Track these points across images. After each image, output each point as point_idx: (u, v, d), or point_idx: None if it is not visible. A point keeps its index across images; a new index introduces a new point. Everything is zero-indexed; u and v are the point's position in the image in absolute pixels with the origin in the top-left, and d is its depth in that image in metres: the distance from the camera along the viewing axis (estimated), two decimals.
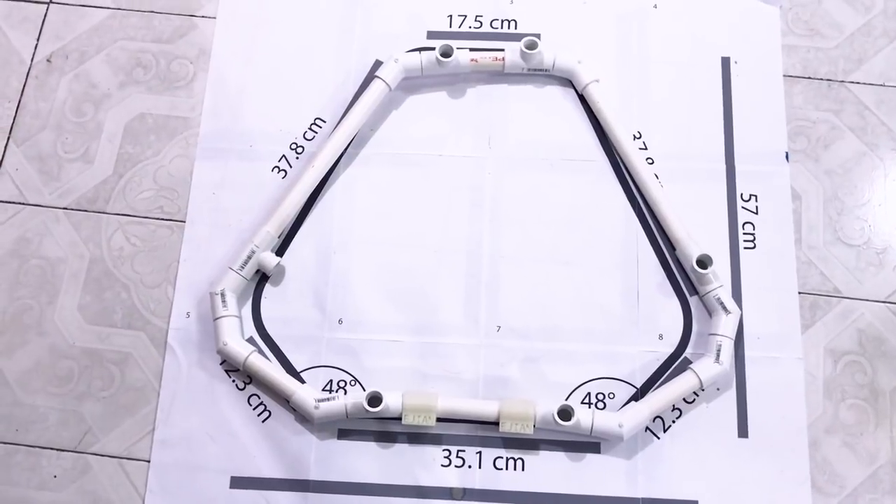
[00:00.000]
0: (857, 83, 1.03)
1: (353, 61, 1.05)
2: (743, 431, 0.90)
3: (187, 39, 1.06)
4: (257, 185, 1.00)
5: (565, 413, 0.87)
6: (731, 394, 0.91)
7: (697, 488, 0.88)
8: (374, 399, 0.88)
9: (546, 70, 1.02)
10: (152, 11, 1.07)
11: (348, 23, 1.06)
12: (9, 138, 1.02)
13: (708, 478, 0.89)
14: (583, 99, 1.02)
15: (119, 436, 0.91)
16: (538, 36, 1.05)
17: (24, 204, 0.99)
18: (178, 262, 0.97)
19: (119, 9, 1.07)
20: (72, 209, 0.99)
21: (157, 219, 0.98)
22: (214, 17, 1.07)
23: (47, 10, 1.07)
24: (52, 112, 1.03)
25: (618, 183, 0.99)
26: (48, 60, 1.05)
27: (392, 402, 0.88)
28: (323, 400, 0.89)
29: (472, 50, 1.02)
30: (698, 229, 0.96)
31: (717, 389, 0.91)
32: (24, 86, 1.04)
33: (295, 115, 1.03)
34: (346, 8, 1.07)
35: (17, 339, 0.94)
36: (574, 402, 0.91)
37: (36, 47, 1.06)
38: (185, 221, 0.98)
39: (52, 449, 0.91)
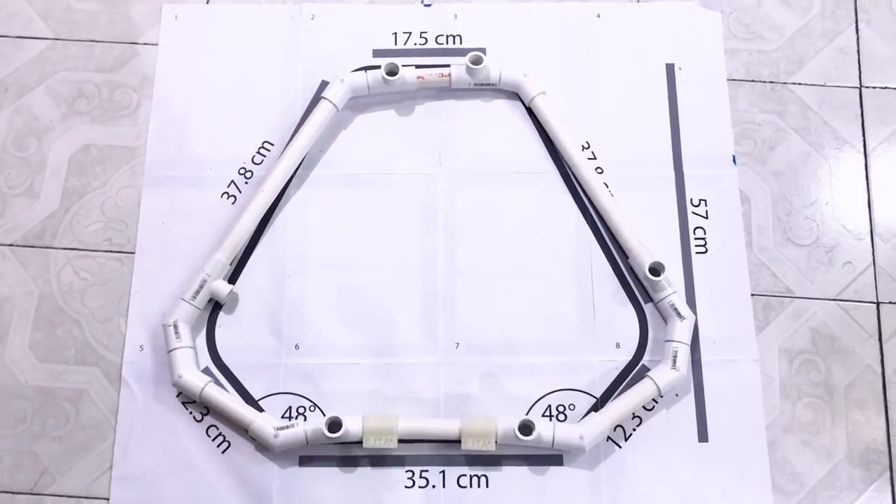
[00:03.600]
0: (800, 84, 1.04)
1: (299, 83, 1.04)
2: (703, 436, 0.91)
3: (130, 67, 1.04)
4: (207, 212, 0.99)
5: (526, 428, 0.87)
6: (690, 399, 0.92)
7: (661, 495, 0.89)
8: (334, 424, 0.87)
9: (493, 84, 1.02)
10: (92, 41, 1.06)
11: (292, 44, 1.06)
12: None
13: (671, 484, 0.89)
14: (531, 111, 1.03)
15: (76, 475, 0.89)
16: (484, 50, 1.05)
17: None
18: (130, 295, 0.95)
19: (58, 39, 1.05)
20: (18, 245, 0.97)
21: (107, 251, 0.97)
22: (156, 44, 1.05)
23: None
24: None
25: (569, 194, 1.00)
26: None
27: (352, 426, 0.87)
28: (282, 428, 0.88)
29: (417, 67, 1.01)
30: (650, 236, 0.97)
31: (676, 395, 0.92)
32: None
33: (242, 140, 1.02)
34: (289, 29, 1.06)
35: None
36: (535, 416, 0.91)
37: None
38: (134, 252, 0.97)
39: (6, 492, 0.89)
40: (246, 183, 1.00)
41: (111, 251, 0.97)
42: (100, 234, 0.98)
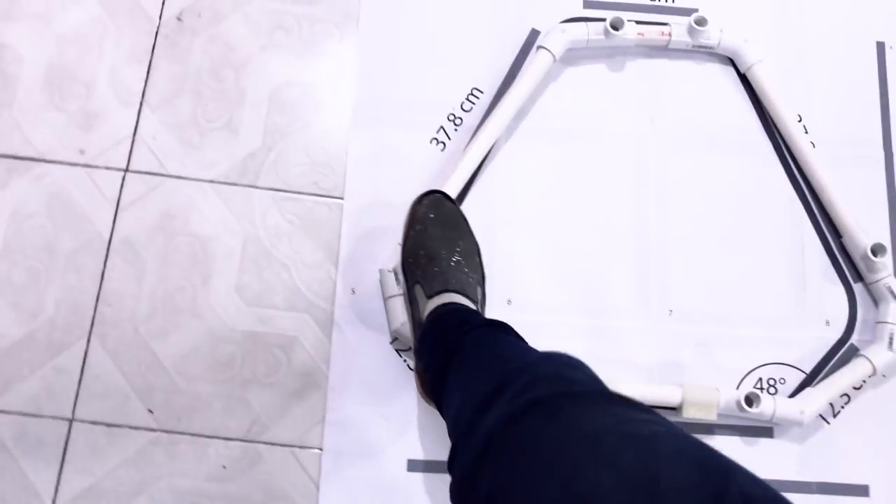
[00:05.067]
0: None
1: (508, 29, 1.00)
2: None
3: (330, 2, 0.99)
4: (416, 156, 0.95)
5: (750, 400, 0.87)
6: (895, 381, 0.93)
7: (868, 473, 0.91)
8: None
9: (710, 47, 0.99)
10: None
11: None
12: (142, 103, 0.94)
13: (877, 463, 0.91)
14: (744, 79, 1.00)
15: (290, 423, 0.87)
16: (696, 10, 1.02)
17: (165, 175, 0.92)
18: (339, 240, 0.92)
19: None
20: (220, 182, 0.93)
21: (314, 194, 0.93)
22: None
23: None
24: (188, 76, 0.95)
25: (781, 166, 0.99)
26: (178, 19, 0.97)
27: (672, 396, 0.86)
28: None
29: (637, 23, 0.98)
30: (859, 215, 0.96)
31: (884, 376, 0.93)
32: (154, 46, 0.96)
33: (451, 85, 0.98)
34: None
35: (171, 323, 0.89)
36: (746, 387, 0.92)
37: (163, 4, 0.97)
38: (342, 198, 0.93)
39: (219, 438, 0.87)
40: (455, 130, 0.97)
41: (319, 195, 0.93)
42: (306, 176, 0.94)
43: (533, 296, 0.93)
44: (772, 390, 0.92)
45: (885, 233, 0.97)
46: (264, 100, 0.95)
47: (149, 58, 0.95)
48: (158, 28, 0.96)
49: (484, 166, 0.96)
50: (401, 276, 0.88)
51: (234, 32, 0.97)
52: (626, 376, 0.91)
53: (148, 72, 0.95)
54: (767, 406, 0.88)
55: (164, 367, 0.87)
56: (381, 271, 0.90)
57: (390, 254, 0.90)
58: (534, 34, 1.00)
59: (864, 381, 0.92)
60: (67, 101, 0.93)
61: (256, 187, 0.93)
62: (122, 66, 0.95)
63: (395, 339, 0.90)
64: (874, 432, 0.92)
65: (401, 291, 0.88)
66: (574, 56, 0.99)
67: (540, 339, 0.90)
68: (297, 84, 0.96)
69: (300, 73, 0.96)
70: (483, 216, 0.94)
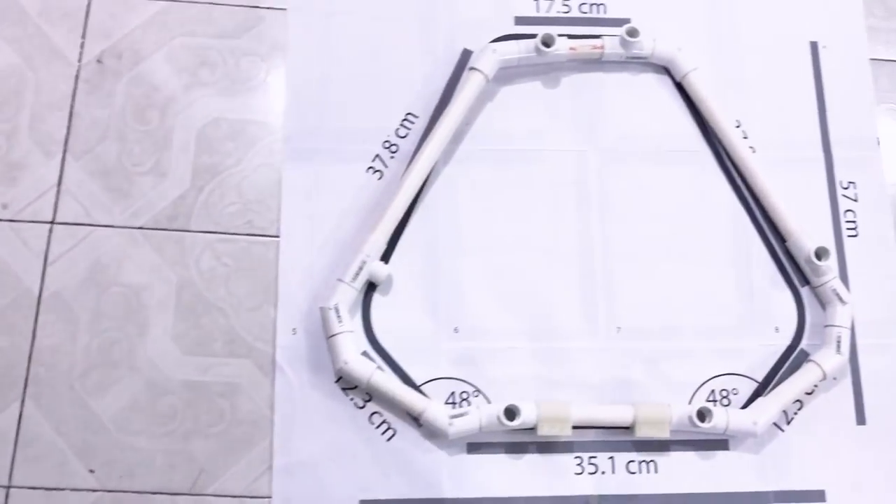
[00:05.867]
0: None
1: (439, 51, 0.98)
2: (861, 419, 0.92)
3: (255, 34, 0.97)
4: (353, 187, 0.93)
5: (703, 415, 0.87)
6: (847, 383, 0.93)
7: (823, 478, 0.90)
8: (510, 412, 0.85)
9: (645, 58, 0.98)
10: (211, 3, 0.97)
11: (430, 11, 0.99)
12: (65, 151, 0.91)
13: (832, 467, 0.91)
14: (680, 87, 0.99)
15: (237, 473, 0.85)
16: (628, 20, 1.01)
17: (93, 225, 0.89)
18: (277, 280, 0.90)
19: (173, 0, 0.96)
20: (150, 228, 0.90)
21: (248, 234, 0.91)
22: (283, 9, 0.97)
23: (89, 3, 0.95)
24: (112, 120, 0.92)
25: (723, 174, 0.98)
26: (99, 61, 0.94)
27: (527, 413, 0.85)
28: (456, 416, 0.85)
29: (569, 37, 0.97)
30: (802, 219, 0.96)
31: (834, 379, 0.93)
32: (75, 91, 0.93)
33: (384, 111, 0.96)
34: None
35: (108, 378, 0.86)
36: (699, 401, 0.91)
37: (82, 46, 0.94)
38: (278, 236, 0.91)
39: (164, 493, 0.84)
40: (392, 157, 0.95)
41: (253, 234, 0.91)
42: (239, 215, 0.91)
43: (480, 322, 0.91)
44: (725, 402, 0.92)
45: (828, 235, 0.97)
46: (192, 139, 0.93)
47: (70, 104, 0.92)
48: (78, 72, 0.93)
49: (423, 193, 0.94)
50: (343, 312, 0.87)
51: (156, 72, 0.94)
52: (577, 397, 0.90)
53: (70, 118, 0.92)
54: (720, 420, 0.87)
55: (103, 424, 0.85)
56: (322, 309, 0.88)
57: (331, 290, 0.88)
58: (466, 55, 0.98)
59: (816, 386, 0.92)
60: None
61: (188, 231, 0.90)
62: (42, 114, 0.92)
63: (339, 378, 0.88)
64: (828, 436, 0.91)
65: (343, 329, 0.86)
66: (508, 74, 0.98)
67: (489, 365, 0.90)
68: (225, 121, 0.94)
69: (228, 110, 0.94)
70: (425, 244, 0.93)
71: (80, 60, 0.94)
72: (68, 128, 0.92)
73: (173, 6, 0.96)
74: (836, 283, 0.93)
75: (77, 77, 0.93)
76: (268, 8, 0.97)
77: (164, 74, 0.94)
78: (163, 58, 0.95)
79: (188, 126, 0.93)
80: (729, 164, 0.98)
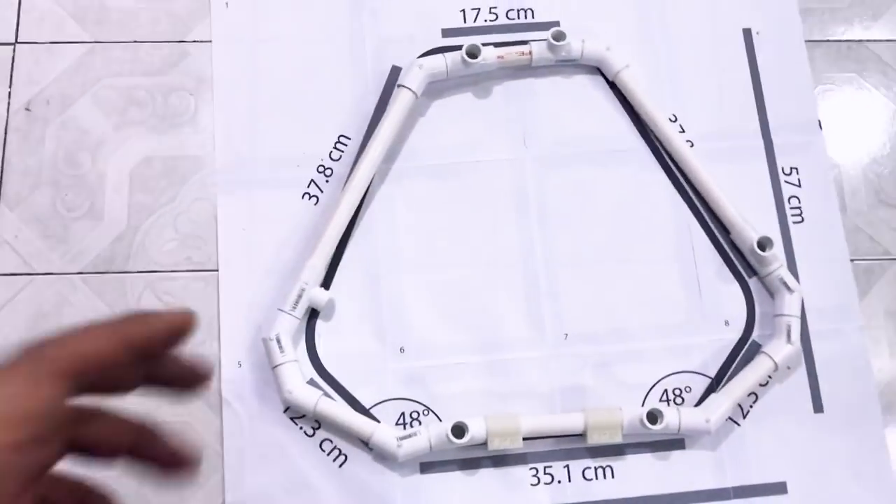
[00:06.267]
0: (876, 41, 1.02)
1: (367, 70, 0.98)
2: (818, 407, 0.91)
3: (181, 69, 0.96)
4: (289, 215, 0.93)
5: (653, 417, 0.86)
6: (802, 371, 0.92)
7: (783, 469, 0.89)
8: (458, 430, 0.84)
9: (574, 60, 0.97)
10: (136, 41, 0.97)
11: (356, 28, 0.99)
12: None
13: (791, 458, 0.90)
14: (613, 86, 0.99)
15: None
16: (557, 23, 1.00)
17: (32, 274, 0.90)
18: (219, 314, 0.90)
19: (97, 42, 0.96)
20: (88, 273, 0.90)
21: (188, 271, 0.91)
22: (208, 41, 0.97)
23: (14, 51, 0.96)
24: (44, 167, 0.92)
25: (662, 170, 0.97)
26: (27, 109, 0.94)
27: (476, 429, 0.85)
28: (404, 437, 0.85)
29: (496, 46, 0.96)
30: (745, 208, 0.95)
31: (788, 368, 0.92)
32: (5, 142, 0.93)
33: (316, 136, 0.96)
34: (351, 13, 0.99)
35: None
36: (652, 402, 0.90)
37: (10, 96, 0.94)
38: (217, 270, 0.91)
39: None
40: (327, 181, 0.94)
41: (192, 270, 0.91)
42: (177, 252, 0.91)
43: (426, 340, 0.91)
44: (679, 400, 0.91)
45: (773, 223, 0.96)
46: (125, 180, 0.93)
47: (0, 154, 0.93)
48: (7, 121, 0.94)
49: (360, 215, 0.94)
50: (285, 341, 0.86)
51: (85, 115, 0.94)
52: (527, 408, 0.89)
53: (2, 169, 0.92)
54: (672, 420, 0.86)
55: None
56: (264, 340, 0.88)
57: (273, 321, 0.88)
58: (395, 72, 0.98)
59: (769, 378, 0.91)
60: None
61: (127, 272, 0.90)
62: None
63: (287, 408, 0.88)
64: (786, 427, 0.90)
65: (286, 359, 0.86)
66: (438, 88, 0.97)
67: (438, 383, 0.90)
68: (157, 158, 0.94)
69: (159, 147, 0.94)
70: (366, 266, 0.93)
71: (7, 110, 0.94)
72: (0, 178, 0.92)
73: (97, 48, 0.96)
74: (783, 272, 0.92)
75: (6, 127, 0.93)
76: (193, 41, 0.97)
77: (93, 117, 0.94)
78: (90, 100, 0.95)
79: (120, 167, 0.93)
80: (668, 159, 0.97)
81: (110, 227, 0.91)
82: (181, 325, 0.43)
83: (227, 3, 0.99)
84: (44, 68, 0.95)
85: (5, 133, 0.93)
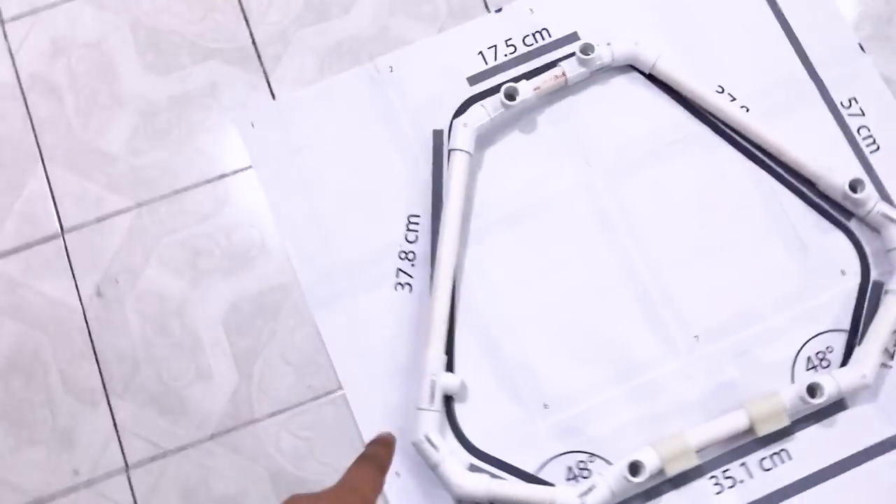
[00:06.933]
0: None
1: (411, 143, 0.96)
2: None
3: (232, 203, 0.94)
4: (389, 311, 0.92)
5: (813, 390, 0.85)
6: None
7: None
8: (634, 467, 0.84)
9: (607, 65, 0.96)
10: (176, 192, 0.94)
11: (385, 109, 0.97)
12: (108, 396, 0.89)
13: None
14: (651, 78, 0.97)
15: None
16: (576, 34, 0.99)
17: (166, 455, 0.88)
18: (359, 431, 0.88)
19: (140, 205, 0.94)
20: (220, 434, 0.88)
21: (313, 399, 0.89)
22: (248, 167, 0.95)
23: (64, 241, 0.93)
24: (136, 345, 0.90)
25: (728, 144, 0.96)
26: (98, 295, 0.92)
27: (650, 461, 0.84)
28: (585, 493, 0.84)
29: (528, 78, 0.94)
30: (821, 154, 0.94)
31: None
32: (90, 333, 0.91)
33: (385, 224, 0.94)
34: (374, 91, 0.97)
35: None
36: (800, 374, 0.90)
37: (77, 288, 0.92)
38: (342, 388, 0.89)
39: None
40: (412, 265, 0.93)
41: (318, 397, 0.89)
42: (297, 385, 0.90)
43: (564, 388, 0.90)
44: (824, 363, 0.90)
45: (852, 159, 0.95)
46: (220, 331, 0.91)
47: (91, 348, 0.90)
48: (84, 313, 0.91)
49: (455, 287, 0.92)
50: (436, 438, 0.85)
51: (157, 280, 0.92)
52: (686, 421, 0.88)
53: (97, 362, 0.90)
54: (831, 388, 0.85)
55: None
56: (415, 444, 0.86)
57: (414, 421, 0.86)
58: (437, 135, 0.96)
59: None
60: (36, 430, 0.88)
61: (256, 421, 0.89)
62: (71, 371, 0.90)
63: (460, 502, 0.87)
64: None
65: (443, 455, 0.85)
66: (485, 137, 0.95)
67: (591, 426, 0.89)
68: (243, 300, 0.92)
69: (241, 288, 0.92)
70: (479, 336, 0.91)
71: (80, 301, 0.92)
72: (100, 371, 0.90)
73: (143, 211, 0.94)
74: (881, 206, 0.91)
75: (85, 318, 0.91)
76: (234, 173, 0.95)
77: (166, 280, 0.92)
78: (157, 264, 0.92)
79: (211, 320, 0.91)
80: (731, 132, 0.96)
81: (223, 383, 0.90)
82: (394, 441, 0.63)
83: (252, 124, 0.96)
84: (99, 248, 0.93)
85: (87, 324, 0.91)
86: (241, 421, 0.89)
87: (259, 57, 0.98)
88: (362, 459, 0.60)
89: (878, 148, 0.95)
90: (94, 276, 0.92)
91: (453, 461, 0.86)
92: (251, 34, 0.99)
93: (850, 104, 0.97)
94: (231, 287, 0.92)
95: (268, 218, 0.94)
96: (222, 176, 0.95)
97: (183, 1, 1.00)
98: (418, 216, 0.94)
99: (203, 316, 0.91)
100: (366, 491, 0.56)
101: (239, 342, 0.91)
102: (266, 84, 0.97)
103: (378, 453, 0.61)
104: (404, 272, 0.93)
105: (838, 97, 0.97)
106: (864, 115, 0.96)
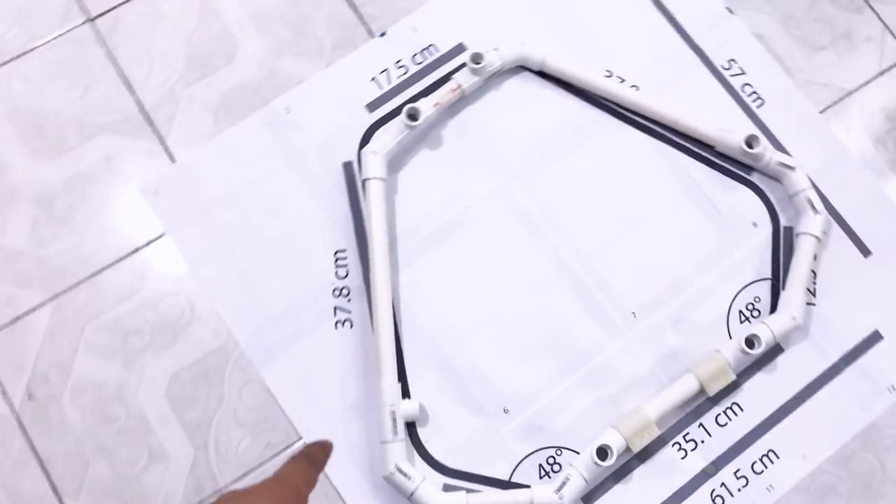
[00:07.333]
0: None
1: (321, 180, 0.96)
2: (864, 251, 0.97)
3: (153, 275, 0.92)
4: (334, 350, 0.91)
5: (751, 342, 0.89)
6: (836, 229, 0.97)
7: (869, 320, 0.94)
8: (602, 451, 0.86)
9: (499, 70, 0.98)
10: (92, 275, 0.91)
11: (290, 150, 0.96)
12: (60, 499, 0.85)
13: (870, 307, 0.95)
14: (542, 74, 1.00)
15: None
16: (462, 45, 1.00)
17: None
18: (328, 478, 0.87)
19: (54, 297, 0.90)
20: None
21: (274, 455, 0.88)
22: (161, 236, 0.93)
23: None
24: (80, 441, 0.87)
25: (625, 124, 0.99)
26: (29, 398, 0.88)
27: (615, 442, 0.86)
28: (561, 486, 0.85)
29: (425, 95, 0.96)
30: (713, 117, 0.98)
31: (825, 234, 0.96)
32: (28, 438, 0.87)
33: (313, 265, 0.93)
34: (274, 135, 0.96)
35: None
36: (735, 327, 0.94)
37: (4, 393, 0.88)
38: (301, 438, 0.88)
39: None
40: (349, 300, 0.92)
41: (278, 453, 0.88)
42: (255, 445, 0.88)
43: (519, 389, 0.91)
44: (755, 313, 0.94)
45: (741, 116, 1.00)
46: (166, 407, 0.88)
47: (33, 453, 0.86)
48: (18, 419, 0.87)
49: (398, 314, 0.92)
50: (406, 467, 0.85)
51: (90, 370, 0.89)
52: (640, 396, 0.91)
53: (42, 466, 0.86)
54: (767, 336, 0.90)
55: None
56: (386, 478, 0.86)
57: (382, 455, 0.86)
58: (348, 167, 0.96)
59: (816, 254, 0.95)
60: None
61: (222, 490, 0.87)
62: (16, 482, 0.86)
63: None
64: (849, 283, 0.95)
65: (416, 482, 0.85)
66: (396, 160, 0.96)
67: (553, 420, 0.91)
68: (182, 370, 0.89)
69: (178, 359, 0.90)
70: (429, 356, 0.92)
71: (12, 409, 0.87)
72: (47, 475, 0.86)
73: (61, 302, 0.90)
74: (777, 156, 0.96)
75: (21, 425, 0.87)
76: (146, 244, 0.93)
77: (99, 367, 0.89)
78: (86, 353, 0.89)
79: (154, 398, 0.88)
80: (626, 113, 0.99)
81: (179, 459, 0.87)
82: (331, 445, 0.64)
83: (156, 191, 0.94)
84: (21, 349, 0.89)
85: (23, 429, 0.87)
86: (207, 493, 0.86)
87: (150, 122, 0.96)
88: (297, 455, 0.60)
89: (763, 102, 1.01)
90: (21, 379, 0.88)
91: (427, 486, 0.86)
92: (138, 101, 0.96)
93: (731, 65, 1.02)
94: (168, 360, 0.89)
95: (192, 283, 0.92)
96: (136, 249, 0.92)
97: (59, 78, 0.97)
98: (345, 250, 0.94)
99: (145, 395, 0.88)
100: (298, 484, 0.55)
101: (187, 414, 0.88)
102: (163, 148, 0.95)
103: (313, 451, 0.61)
104: (341, 309, 0.92)
105: (718, 61, 1.02)
106: (744, 73, 1.01)
